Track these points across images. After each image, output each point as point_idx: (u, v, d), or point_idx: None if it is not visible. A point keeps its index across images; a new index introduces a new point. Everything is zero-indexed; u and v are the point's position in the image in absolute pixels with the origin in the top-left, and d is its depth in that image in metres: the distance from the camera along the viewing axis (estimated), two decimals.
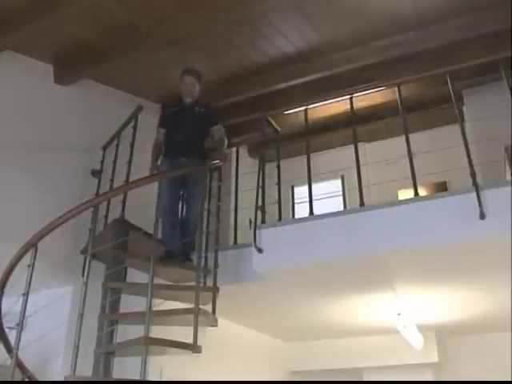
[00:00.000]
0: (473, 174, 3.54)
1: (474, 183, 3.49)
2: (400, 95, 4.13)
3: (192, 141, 4.41)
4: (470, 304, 5.51)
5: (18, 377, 3.42)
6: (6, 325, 3.59)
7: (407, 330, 5.28)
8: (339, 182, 7.21)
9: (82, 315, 3.04)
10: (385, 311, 5.37)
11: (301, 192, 6.84)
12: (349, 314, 5.76)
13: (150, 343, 3.04)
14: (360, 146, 4.26)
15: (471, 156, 3.64)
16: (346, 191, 7.17)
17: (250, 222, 4.53)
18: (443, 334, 6.94)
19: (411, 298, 5.04)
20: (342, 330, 6.60)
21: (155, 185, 3.77)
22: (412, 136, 4.01)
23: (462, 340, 7.14)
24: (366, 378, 7.34)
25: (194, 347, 3.21)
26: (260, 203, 4.09)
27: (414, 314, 5.51)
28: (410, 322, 5.26)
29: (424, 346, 5.98)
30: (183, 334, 3.35)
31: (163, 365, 4.49)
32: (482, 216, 3.38)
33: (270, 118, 4.70)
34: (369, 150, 6.31)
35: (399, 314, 4.93)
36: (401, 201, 3.80)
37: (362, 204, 3.84)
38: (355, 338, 6.99)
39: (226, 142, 4.44)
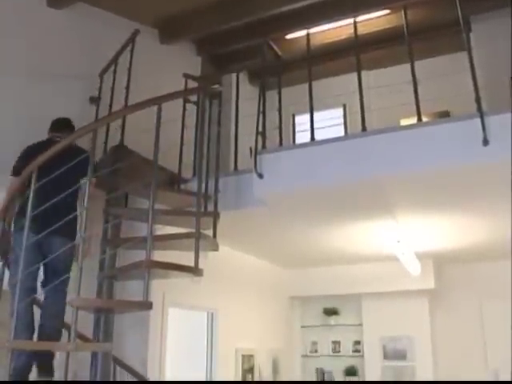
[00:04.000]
0: (478, 100, 3.47)
1: (479, 108, 3.43)
2: (406, 17, 4.00)
3: None
4: (469, 232, 5.57)
5: None
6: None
7: (405, 257, 5.36)
8: (341, 110, 7.14)
9: (83, 239, 3.05)
10: (384, 238, 5.42)
11: (302, 121, 6.79)
12: (349, 241, 5.83)
13: (152, 266, 3.07)
14: (362, 73, 4.15)
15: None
16: (348, 120, 7.11)
17: (251, 150, 4.49)
18: (440, 262, 7.09)
19: (411, 226, 5.08)
20: (342, 256, 6.71)
21: (154, 110, 3.67)
22: (416, 64, 3.91)
23: (458, 268, 7.30)
24: (364, 304, 7.55)
25: (195, 270, 3.25)
26: (261, 129, 4.04)
27: (412, 241, 5.57)
28: (408, 249, 5.33)
29: (421, 273, 6.11)
30: (185, 260, 3.39)
31: (165, 289, 4.59)
32: (486, 142, 3.34)
33: (271, 43, 4.56)
34: (371, 78, 6.18)
35: (398, 241, 4.98)
36: (403, 126, 3.77)
37: (363, 129, 3.79)
38: (354, 264, 7.12)
39: None
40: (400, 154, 3.56)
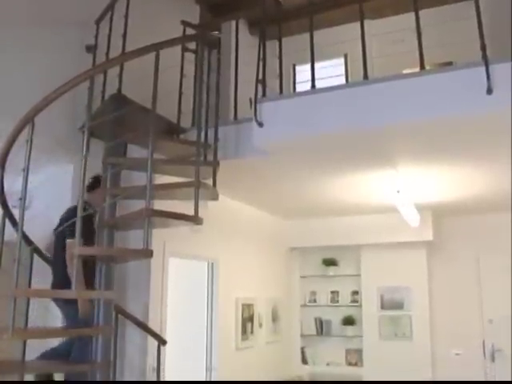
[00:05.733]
0: (483, 47, 3.40)
1: (484, 56, 3.36)
2: None
3: None
4: (469, 184, 5.57)
5: (25, 249, 3.50)
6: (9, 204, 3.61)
7: (405, 208, 5.36)
8: (342, 60, 7.02)
9: (83, 187, 3.05)
10: (384, 189, 5.42)
11: (302, 72, 6.69)
12: (349, 192, 5.83)
13: (152, 214, 3.08)
14: (365, 23, 4.03)
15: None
16: (349, 71, 7.01)
17: (251, 101, 4.44)
18: (440, 214, 7.12)
19: (411, 176, 5.06)
20: (342, 207, 6.73)
21: (152, 59, 3.59)
22: (420, 13, 3.79)
23: (457, 220, 7.36)
24: (362, 255, 7.63)
25: (195, 219, 3.25)
26: (260, 76, 3.97)
27: (412, 192, 5.57)
28: (408, 200, 5.33)
29: (420, 225, 6.13)
30: (185, 210, 3.39)
31: (166, 239, 4.62)
32: (490, 91, 3.29)
33: None
34: (374, 28, 6.06)
35: (398, 192, 4.97)
36: (406, 74, 3.68)
37: (365, 77, 3.73)
38: (354, 216, 7.17)
39: None
40: (402, 102, 3.50)
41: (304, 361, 7.86)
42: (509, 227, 6.61)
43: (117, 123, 3.71)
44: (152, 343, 4.19)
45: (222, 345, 5.73)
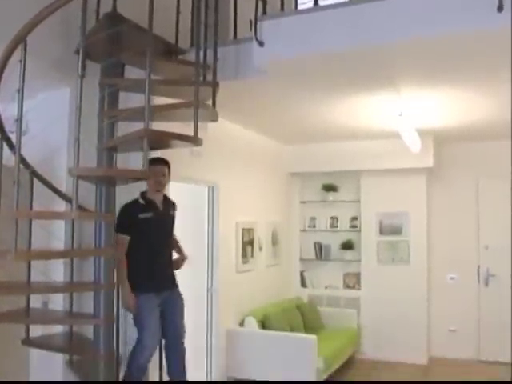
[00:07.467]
0: None
1: None
2: None
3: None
4: (471, 110, 5.50)
5: (25, 174, 3.48)
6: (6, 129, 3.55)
7: (407, 133, 5.32)
8: None
9: (80, 108, 2.99)
10: (386, 113, 5.35)
11: None
12: (350, 115, 5.77)
13: (151, 134, 3.04)
14: None
15: None
16: None
17: (251, 22, 4.29)
18: (440, 140, 7.09)
19: (413, 99, 4.98)
20: (342, 132, 6.69)
21: None
22: None
23: (458, 146, 7.35)
24: (362, 181, 7.64)
25: (194, 139, 3.22)
26: None
27: (414, 117, 5.51)
28: (409, 124, 5.28)
29: (420, 151, 6.10)
30: (184, 133, 3.36)
31: None
32: (500, 8, 3.16)
33: None
34: None
35: (400, 115, 4.91)
36: None
37: None
38: (354, 141, 7.15)
39: None
40: (408, 19, 3.35)
41: (303, 284, 8.04)
42: (509, 154, 6.57)
43: (113, 42, 3.60)
44: None
45: (222, 267, 5.85)
